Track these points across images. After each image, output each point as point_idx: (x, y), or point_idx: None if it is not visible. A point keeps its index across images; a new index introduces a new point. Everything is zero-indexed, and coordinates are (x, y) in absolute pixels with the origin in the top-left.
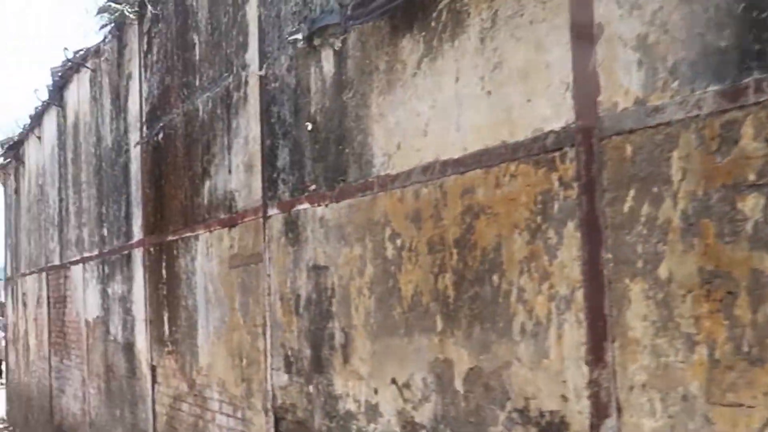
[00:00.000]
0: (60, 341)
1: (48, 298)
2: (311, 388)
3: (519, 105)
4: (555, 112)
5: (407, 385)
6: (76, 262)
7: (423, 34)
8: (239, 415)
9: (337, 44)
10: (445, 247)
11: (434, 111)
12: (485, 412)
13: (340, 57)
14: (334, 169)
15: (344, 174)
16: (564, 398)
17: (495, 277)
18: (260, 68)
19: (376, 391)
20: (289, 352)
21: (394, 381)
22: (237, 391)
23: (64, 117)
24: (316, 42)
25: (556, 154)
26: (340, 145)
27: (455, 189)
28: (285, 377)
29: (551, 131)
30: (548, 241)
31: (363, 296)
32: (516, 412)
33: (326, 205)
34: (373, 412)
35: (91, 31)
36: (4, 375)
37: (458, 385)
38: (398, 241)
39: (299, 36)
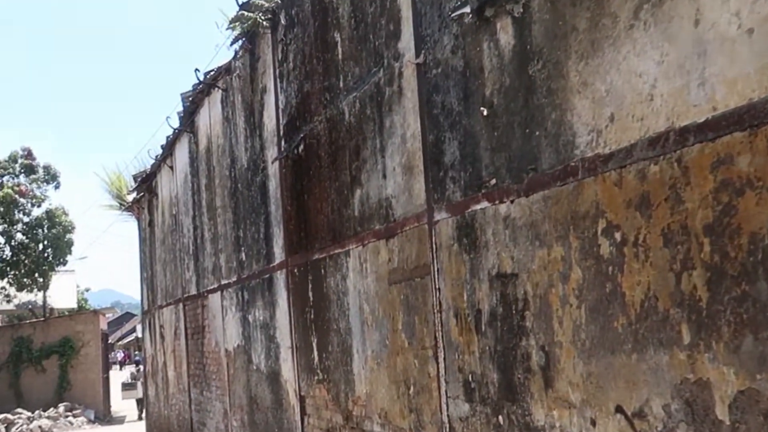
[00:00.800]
0: (199, 372)
1: (185, 329)
2: (501, 419)
3: None
4: None
5: (641, 414)
6: (213, 290)
7: None
8: None
9: (518, 10)
10: (689, 237)
11: (663, 67)
12: None
13: (521, 24)
14: (520, 158)
15: (534, 161)
16: None
17: None
18: (417, 55)
19: (593, 423)
20: (470, 377)
21: (620, 409)
22: (404, 423)
23: (196, 143)
24: (488, 12)
25: None
26: (527, 128)
27: (702, 161)
28: (465, 407)
29: None
30: None
31: (569, 306)
32: None
33: (511, 201)
34: None
35: (221, 49)
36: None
37: (721, 413)
38: (617, 235)
39: (466, 9)
